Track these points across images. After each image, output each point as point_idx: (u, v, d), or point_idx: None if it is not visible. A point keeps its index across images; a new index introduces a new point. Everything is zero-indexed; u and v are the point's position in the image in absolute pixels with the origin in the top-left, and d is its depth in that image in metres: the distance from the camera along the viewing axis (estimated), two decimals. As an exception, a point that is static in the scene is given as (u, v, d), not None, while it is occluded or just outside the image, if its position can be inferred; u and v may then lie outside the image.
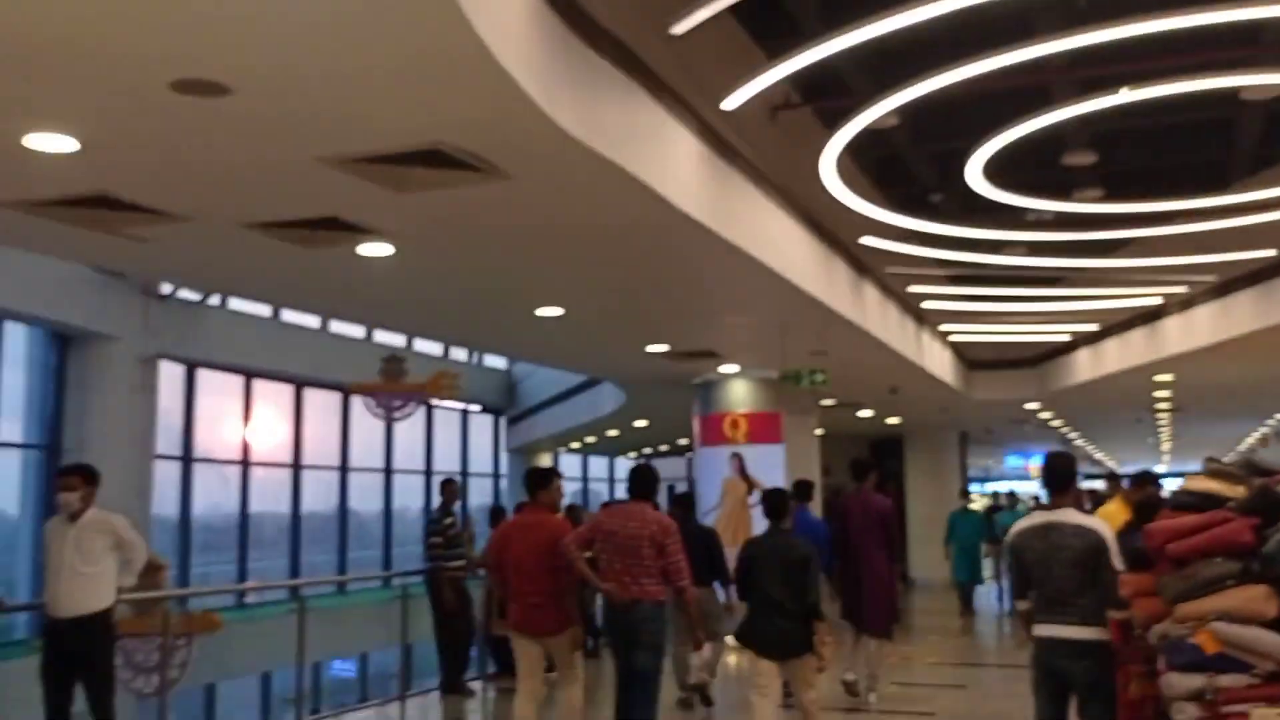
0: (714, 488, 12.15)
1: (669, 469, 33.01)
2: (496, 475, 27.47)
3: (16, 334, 14.55)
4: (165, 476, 17.00)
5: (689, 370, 12.07)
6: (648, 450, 29.24)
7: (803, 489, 8.88)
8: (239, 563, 18.76)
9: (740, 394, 12.27)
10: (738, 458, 12.02)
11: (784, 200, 7.94)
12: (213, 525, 19.07)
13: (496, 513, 10.49)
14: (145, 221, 6.17)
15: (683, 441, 25.19)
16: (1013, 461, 36.51)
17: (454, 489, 9.74)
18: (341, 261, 7.03)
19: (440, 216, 6.19)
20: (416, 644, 9.93)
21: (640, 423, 19.10)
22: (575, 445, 26.53)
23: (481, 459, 26.89)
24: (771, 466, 11.93)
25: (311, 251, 6.71)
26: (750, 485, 11.93)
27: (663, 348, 10.28)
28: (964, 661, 11.74)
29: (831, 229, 8.86)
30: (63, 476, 6.15)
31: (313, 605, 19.63)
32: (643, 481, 6.48)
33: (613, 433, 21.74)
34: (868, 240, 9.07)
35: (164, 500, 16.97)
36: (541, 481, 6.54)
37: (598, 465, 33.89)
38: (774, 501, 6.75)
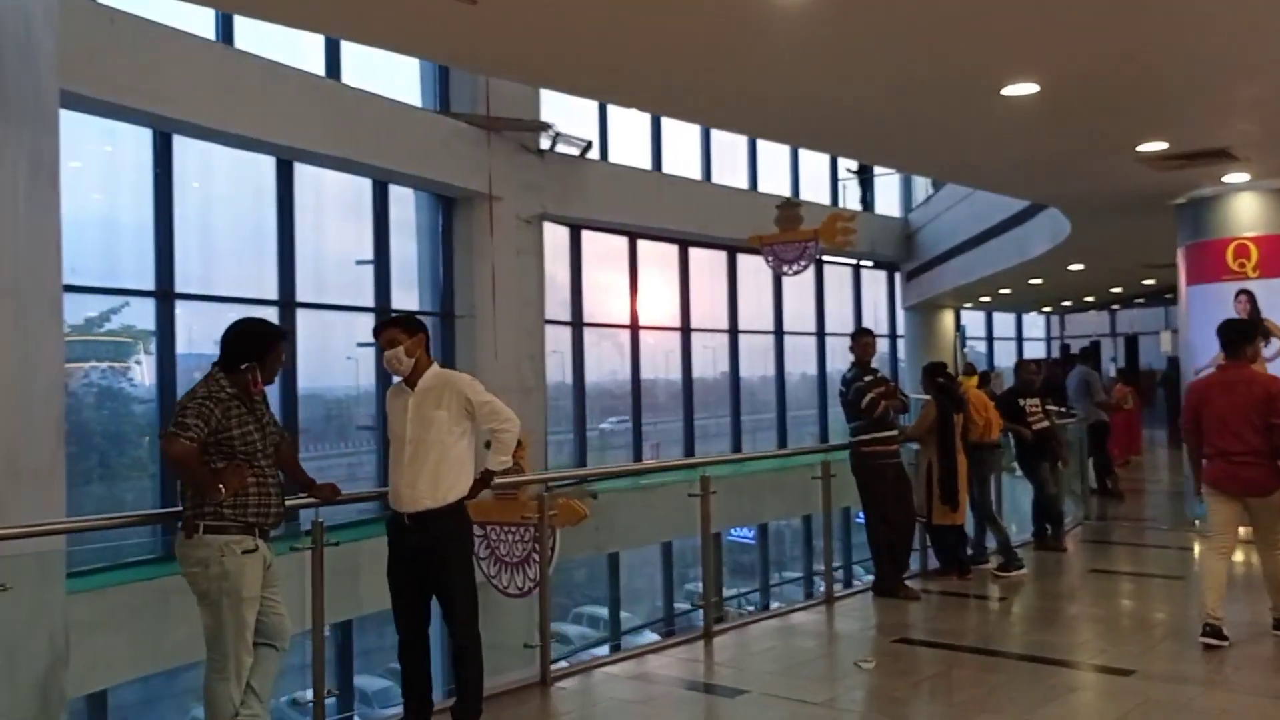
0: (1206, 338, 9.36)
1: (1084, 325, 29.35)
2: (893, 335, 25.27)
3: (403, 199, 14.13)
4: (555, 342, 16.40)
5: (1177, 184, 9.26)
6: (1067, 303, 25.76)
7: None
8: (634, 429, 18.07)
9: (1250, 212, 9.26)
10: (1246, 296, 9.15)
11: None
12: (603, 391, 18.46)
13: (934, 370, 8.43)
14: None
15: (1115, 290, 21.69)
16: None
17: (868, 342, 7.78)
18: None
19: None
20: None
21: (1075, 266, 16.12)
22: (985, 299, 23.68)
23: (875, 318, 24.75)
24: (1294, 307, 9.01)
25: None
26: (1266, 332, 9.05)
27: (1158, 146, 7.61)
28: None
29: None
30: (381, 332, 4.78)
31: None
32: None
33: (1035, 281, 18.79)
34: None
35: (553, 367, 16.40)
36: (1243, 336, 6.19)
37: (1002, 322, 30.67)
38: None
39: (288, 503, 4.52)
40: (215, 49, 10.96)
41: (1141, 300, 23.20)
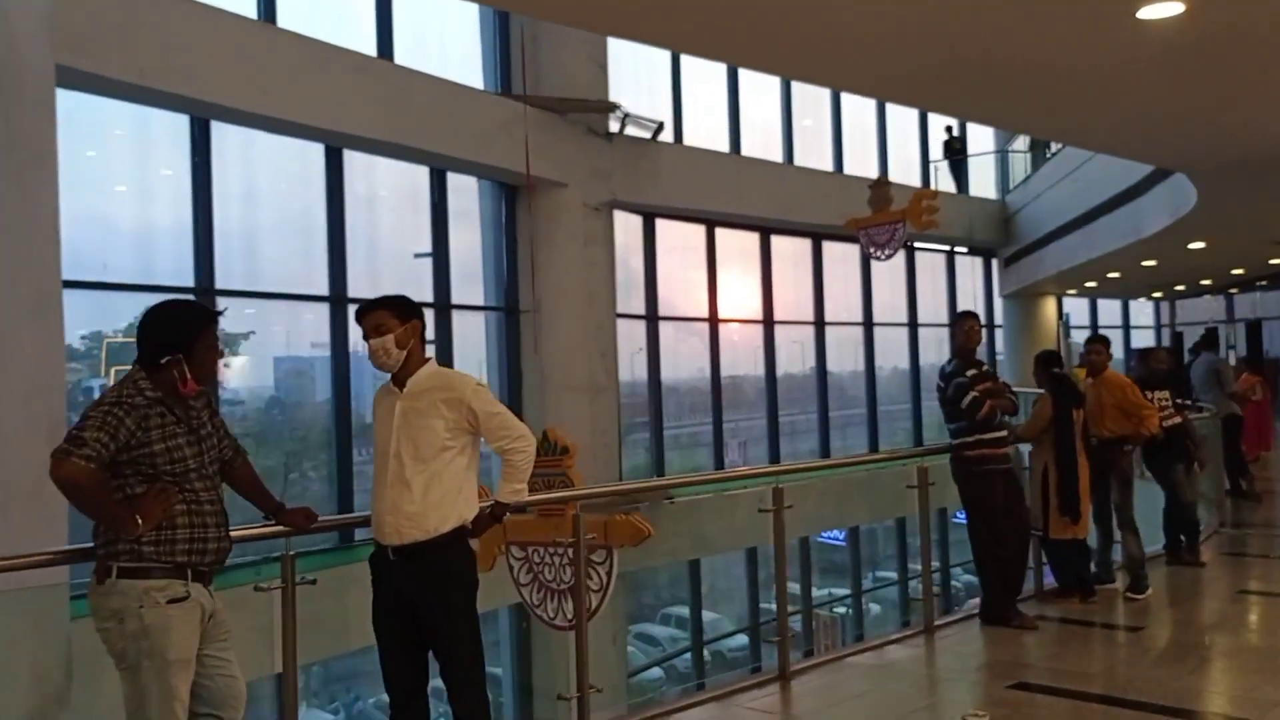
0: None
1: (1198, 311, 27.40)
2: (991, 325, 23.83)
3: (464, 188, 13.34)
4: (627, 336, 15.49)
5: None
6: (1180, 287, 24.03)
7: None
8: (714, 428, 17.08)
9: None
10: None
11: None
12: (681, 387, 17.51)
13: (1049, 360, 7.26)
14: None
15: (1237, 272, 20.01)
16: None
17: (974, 327, 6.67)
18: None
19: None
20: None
21: (1196, 245, 14.65)
22: (1091, 284, 22.13)
23: (972, 307, 23.36)
24: None
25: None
26: None
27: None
28: None
29: None
30: (364, 316, 3.83)
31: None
32: None
33: (1149, 263, 17.30)
34: None
35: (626, 362, 15.50)
36: None
37: (1108, 310, 28.88)
38: None
39: (251, 531, 3.66)
40: (255, 26, 10.25)
41: (1264, 283, 21.43)
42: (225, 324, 3.48)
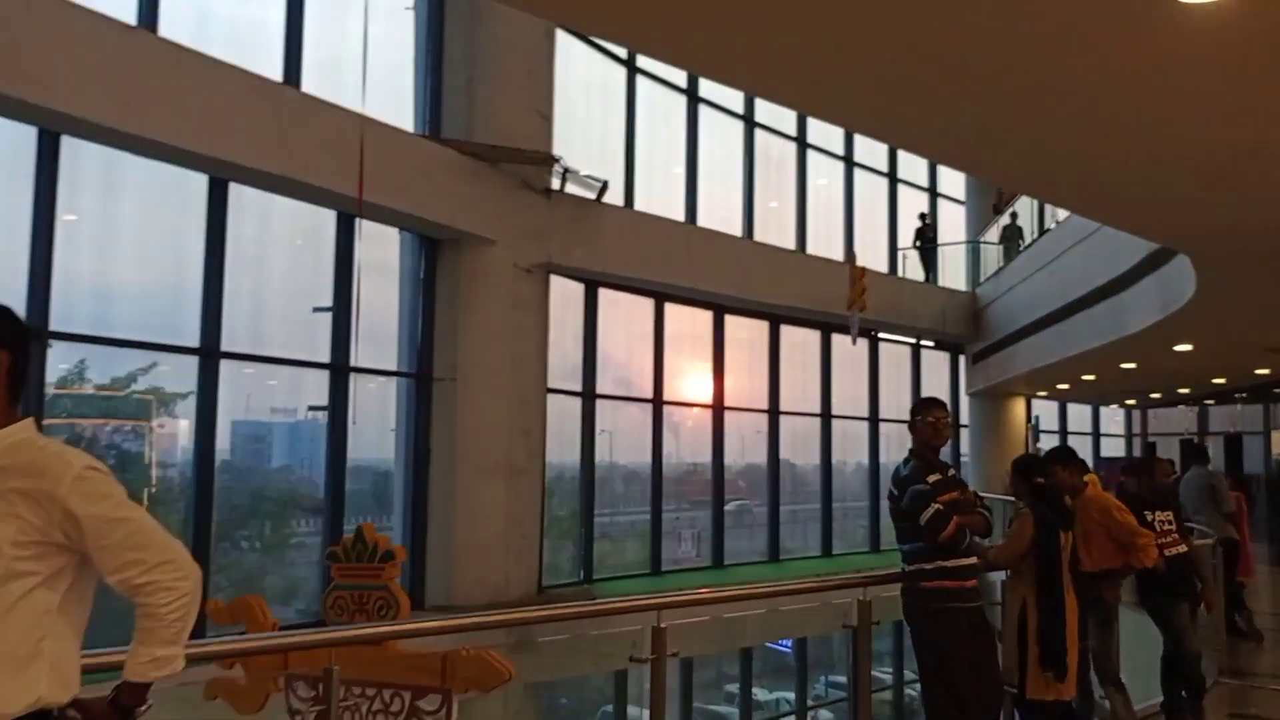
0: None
1: (1170, 422, 26.26)
2: (957, 425, 22.54)
3: (381, 236, 11.90)
4: (563, 414, 13.98)
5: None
6: (1155, 395, 22.86)
7: None
8: (653, 520, 15.52)
9: None
10: None
11: None
12: (618, 473, 16.00)
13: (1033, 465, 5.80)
14: None
15: (1218, 380, 18.82)
16: None
17: (941, 420, 5.21)
18: None
19: None
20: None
21: (1182, 347, 13.40)
22: (1062, 386, 20.89)
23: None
24: None
25: None
26: None
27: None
28: None
29: None
30: None
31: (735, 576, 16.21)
32: None
33: (1128, 365, 16.05)
34: None
35: (561, 443, 13.97)
36: None
37: (1078, 415, 27.70)
38: None
39: None
40: (125, 32, 8.83)
41: (1244, 395, 20.28)
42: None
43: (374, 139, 10.77)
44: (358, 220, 11.14)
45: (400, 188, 11.05)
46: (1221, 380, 18.75)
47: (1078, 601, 5.47)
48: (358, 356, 11.18)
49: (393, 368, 12.21)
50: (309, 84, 10.70)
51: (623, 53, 15.16)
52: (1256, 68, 4.44)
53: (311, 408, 11.38)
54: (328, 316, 11.20)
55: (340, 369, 11.04)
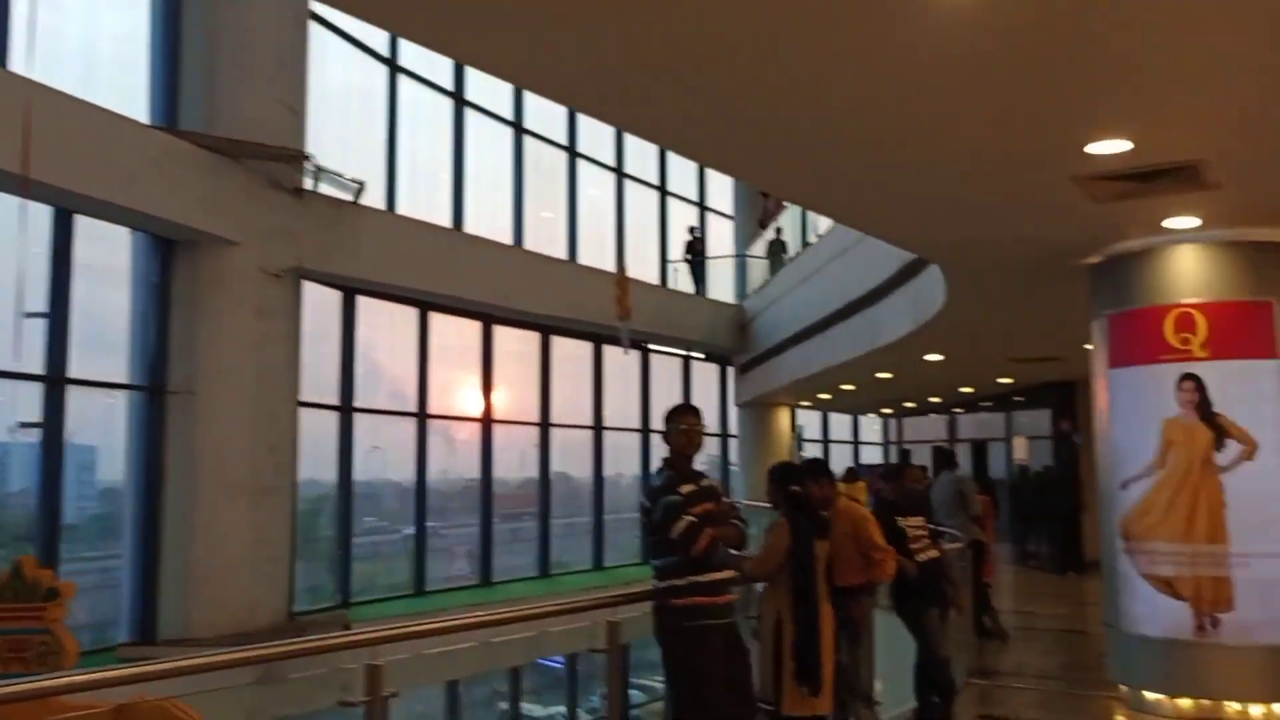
0: (1136, 439, 7.00)
1: (923, 430, 27.61)
2: (725, 435, 22.85)
3: (110, 238, 10.81)
4: (319, 430, 13.15)
5: (1099, 233, 6.93)
6: (910, 404, 23.91)
7: None
8: (417, 536, 14.85)
9: (1196, 272, 6.97)
10: (1193, 384, 6.81)
11: None
12: (380, 490, 15.29)
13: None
14: None
15: (965, 390, 19.79)
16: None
17: (694, 427, 4.97)
18: None
19: None
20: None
21: (933, 356, 13.91)
22: (824, 396, 21.50)
23: (707, 416, 22.28)
24: (1258, 399, 6.69)
25: None
26: (1220, 431, 6.71)
27: (1118, 146, 5.17)
28: None
29: None
30: None
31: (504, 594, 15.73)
32: None
33: (884, 375, 16.60)
34: None
35: (316, 460, 13.13)
36: None
37: (839, 424, 28.77)
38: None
39: None
40: None
41: (990, 404, 21.47)
42: None
43: (88, 124, 9.74)
44: (76, 217, 10.05)
45: (124, 181, 10.04)
46: (970, 389, 19.73)
47: (834, 613, 5.34)
48: (77, 367, 10.08)
49: (122, 379, 11.09)
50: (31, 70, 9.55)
51: (384, 49, 14.50)
52: (1004, 72, 4.40)
53: (23, 423, 10.17)
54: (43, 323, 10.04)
55: (58, 380, 9.91)
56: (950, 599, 6.69)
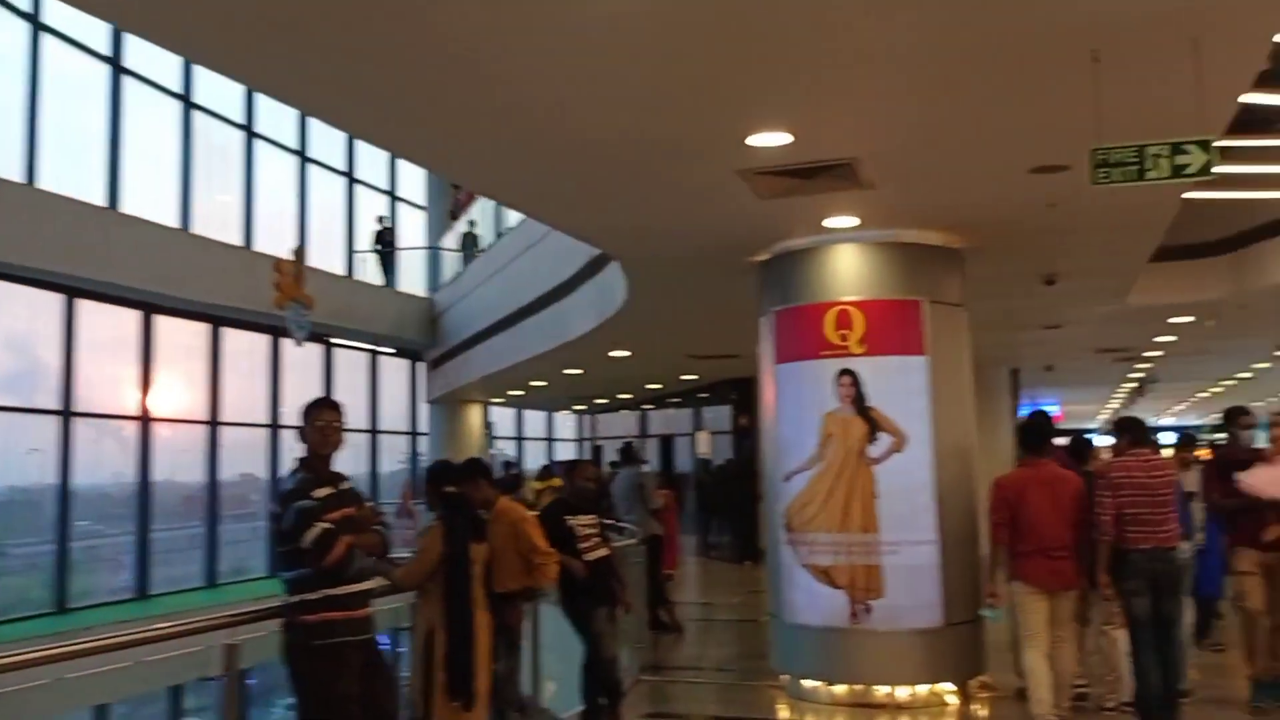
0: (799, 432, 7.17)
1: (615, 426, 28.08)
2: (414, 433, 22.21)
3: None
4: None
5: (767, 230, 7.04)
6: (601, 401, 24.19)
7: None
8: (59, 545, 13.32)
9: (854, 271, 7.19)
10: (850, 378, 7.03)
11: None
12: (41, 496, 13.68)
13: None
14: None
15: (653, 386, 20.20)
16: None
17: (331, 424, 4.46)
18: None
19: None
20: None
21: (619, 353, 13.98)
22: (516, 392, 21.29)
23: (396, 413, 21.61)
24: (908, 393, 6.99)
25: None
26: (873, 424, 6.97)
27: (778, 139, 5.15)
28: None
29: None
30: None
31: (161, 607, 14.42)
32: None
33: (573, 371, 16.57)
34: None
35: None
36: (1047, 433, 6.37)
37: (534, 421, 28.74)
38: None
39: None
40: None
41: (677, 400, 22.04)
42: None
43: None
44: None
45: None
46: (658, 386, 20.14)
47: (491, 620, 5.03)
48: None
49: None
50: None
51: (26, 4, 12.90)
52: (665, 55, 4.24)
53: None
54: None
55: None
56: (619, 597, 6.56)
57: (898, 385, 7.02)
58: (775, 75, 4.49)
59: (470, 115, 4.97)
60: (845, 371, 7.05)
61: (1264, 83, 6.10)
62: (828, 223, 6.94)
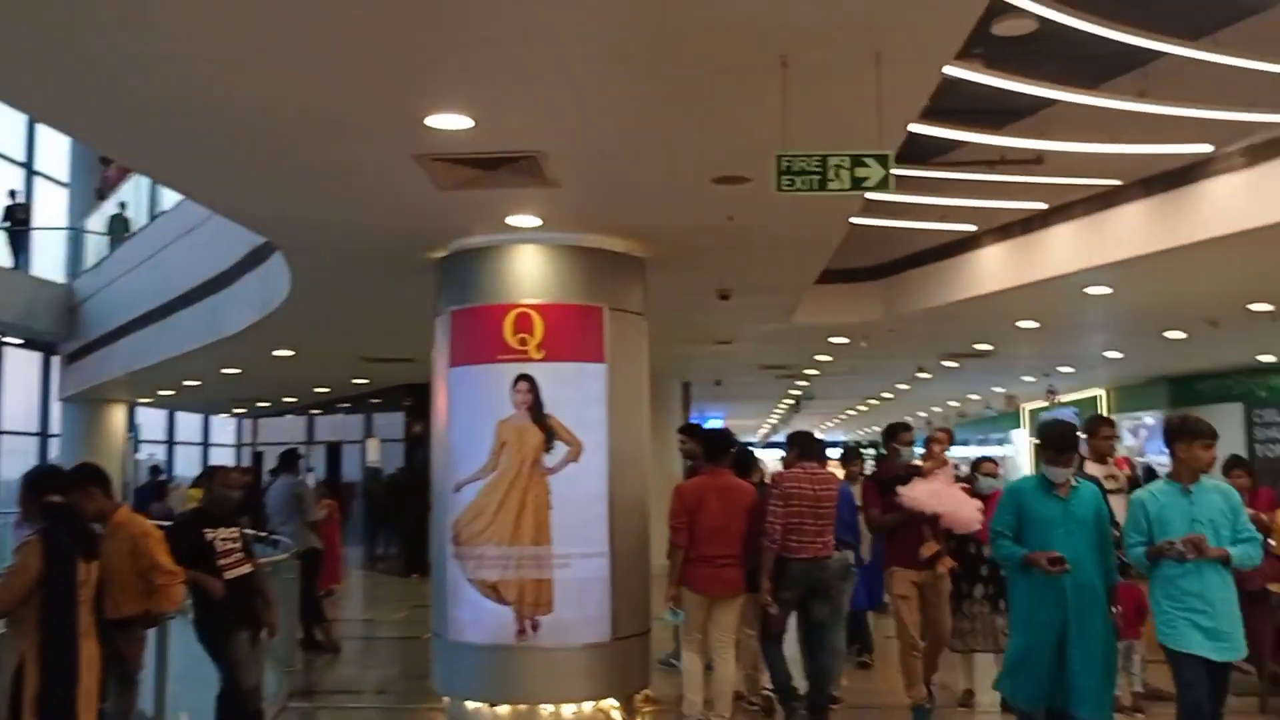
0: (473, 440, 6.80)
1: (280, 431, 26.48)
2: (45, 435, 19.91)
3: None
4: None
5: (448, 224, 6.62)
6: (265, 404, 22.69)
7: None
8: None
9: (535, 272, 6.89)
10: (527, 384, 6.73)
11: None
12: None
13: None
14: None
15: (322, 390, 19.13)
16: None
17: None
18: None
19: None
20: None
21: (283, 352, 12.99)
22: (168, 392, 19.49)
23: (23, 412, 19.29)
24: (585, 401, 6.78)
25: None
26: (550, 433, 6.71)
27: (458, 121, 4.73)
28: None
29: None
30: None
31: None
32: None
33: (231, 371, 15.29)
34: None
35: None
36: (726, 444, 6.68)
37: (187, 424, 26.64)
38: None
39: None
40: None
41: (347, 405, 21.00)
42: None
43: None
44: None
45: None
46: (326, 390, 19.10)
47: (101, 651, 4.31)
48: None
49: None
50: None
51: None
52: (337, 6, 3.75)
53: None
54: None
55: None
56: (263, 619, 5.89)
57: (576, 393, 6.81)
58: (454, 46, 4.10)
59: (107, 67, 4.25)
60: (523, 377, 6.76)
61: (927, 115, 6.38)
62: (511, 220, 6.62)
